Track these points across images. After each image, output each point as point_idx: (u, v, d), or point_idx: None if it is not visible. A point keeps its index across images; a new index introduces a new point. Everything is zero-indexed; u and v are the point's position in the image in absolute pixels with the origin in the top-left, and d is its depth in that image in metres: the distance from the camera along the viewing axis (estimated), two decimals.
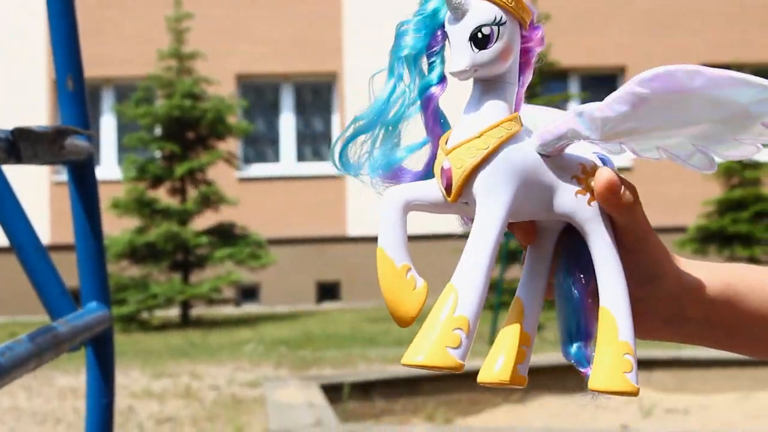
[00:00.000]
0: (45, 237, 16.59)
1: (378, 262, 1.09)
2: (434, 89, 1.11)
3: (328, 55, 19.29)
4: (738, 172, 16.34)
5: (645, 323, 1.17)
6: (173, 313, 16.38)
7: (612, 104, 1.07)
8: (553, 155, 1.12)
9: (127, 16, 18.88)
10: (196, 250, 16.00)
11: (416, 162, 1.15)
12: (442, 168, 1.10)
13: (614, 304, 1.11)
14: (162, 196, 16.35)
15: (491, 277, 1.07)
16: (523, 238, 1.18)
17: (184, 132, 16.34)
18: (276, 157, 19.77)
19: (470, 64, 1.07)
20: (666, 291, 1.18)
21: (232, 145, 18.10)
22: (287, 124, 19.73)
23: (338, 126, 19.46)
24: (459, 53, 1.08)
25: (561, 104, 18.80)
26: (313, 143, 19.95)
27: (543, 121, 1.15)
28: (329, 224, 18.99)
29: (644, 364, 8.92)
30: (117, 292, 15.03)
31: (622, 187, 1.12)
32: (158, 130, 16.49)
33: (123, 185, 16.25)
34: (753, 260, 15.88)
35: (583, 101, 19.59)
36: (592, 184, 1.12)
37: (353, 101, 19.09)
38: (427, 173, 1.14)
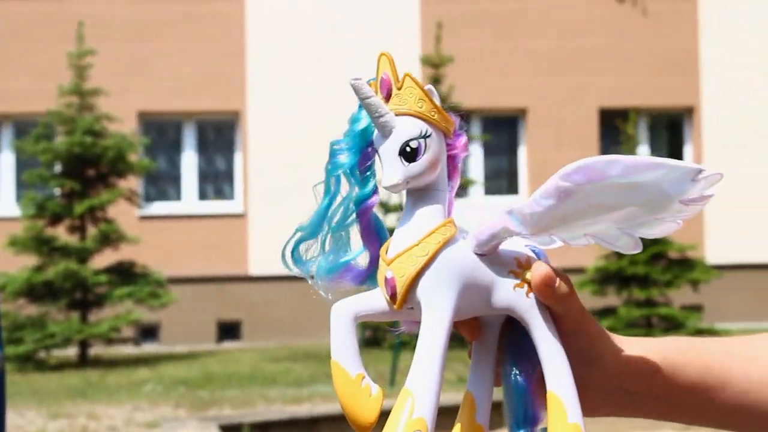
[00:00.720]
0: None
1: (333, 374, 1.15)
2: (369, 201, 1.18)
3: (232, 93, 19.25)
4: None
5: (589, 401, 1.22)
6: (71, 352, 16.15)
7: (539, 199, 1.13)
8: (489, 253, 1.17)
9: (28, 51, 18.68)
10: (95, 288, 15.81)
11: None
12: (386, 278, 1.15)
13: (561, 388, 1.16)
14: (61, 233, 16.14)
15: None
16: (469, 335, 1.23)
17: (84, 169, 16.18)
18: (177, 196, 19.64)
19: (402, 178, 1.13)
20: (606, 369, 1.24)
21: (133, 183, 17.95)
22: (189, 162, 19.63)
23: (241, 165, 19.40)
24: (391, 168, 1.14)
25: None
26: (215, 182, 19.86)
27: (473, 219, 1.22)
28: (231, 263, 18.88)
29: None
30: (14, 330, 14.79)
31: (557, 279, 1.17)
32: (58, 167, 16.30)
33: (21, 222, 16.03)
34: (650, 301, 16.08)
35: (485, 143, 19.80)
36: (528, 276, 1.18)
37: (256, 140, 19.06)
38: (372, 272, 1.20)
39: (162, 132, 19.69)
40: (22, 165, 18.35)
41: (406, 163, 1.12)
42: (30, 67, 18.64)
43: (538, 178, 18.67)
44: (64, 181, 15.98)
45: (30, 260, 15.86)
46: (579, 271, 16.74)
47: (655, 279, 15.95)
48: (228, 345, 18.40)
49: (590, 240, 1.19)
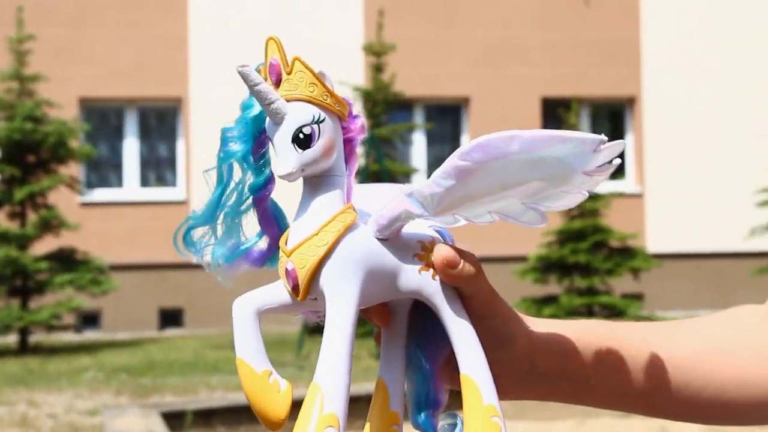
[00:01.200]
0: None
1: (239, 372, 1.13)
2: (265, 190, 1.15)
3: (174, 80, 19.15)
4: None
5: (502, 384, 1.19)
6: (11, 339, 16.04)
7: (438, 180, 1.09)
8: (391, 238, 1.14)
9: None
10: (35, 275, 15.70)
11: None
12: (287, 270, 1.12)
13: (474, 370, 1.13)
14: (1, 220, 16.01)
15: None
16: (380, 322, 1.21)
17: (24, 155, 16.05)
18: (119, 182, 19.54)
19: (297, 165, 1.09)
20: (519, 351, 1.21)
21: (74, 170, 17.83)
22: (131, 148, 19.52)
23: (183, 152, 19.32)
24: (284, 156, 1.10)
25: (406, 134, 18.97)
26: (157, 169, 19.76)
27: (377, 200, 1.18)
28: (172, 250, 18.60)
29: None
30: None
31: (461, 259, 1.14)
32: None
33: None
34: (591, 290, 16.20)
35: (428, 131, 19.82)
36: (433, 259, 1.15)
37: (198, 127, 18.98)
38: (272, 254, 1.17)
39: (103, 118, 19.57)
40: None
41: (300, 150, 1.09)
42: None
43: None
44: (4, 167, 15.84)
45: None
46: (521, 259, 16.84)
47: (596, 267, 16.07)
48: (170, 332, 18.34)
49: (495, 217, 1.15)
